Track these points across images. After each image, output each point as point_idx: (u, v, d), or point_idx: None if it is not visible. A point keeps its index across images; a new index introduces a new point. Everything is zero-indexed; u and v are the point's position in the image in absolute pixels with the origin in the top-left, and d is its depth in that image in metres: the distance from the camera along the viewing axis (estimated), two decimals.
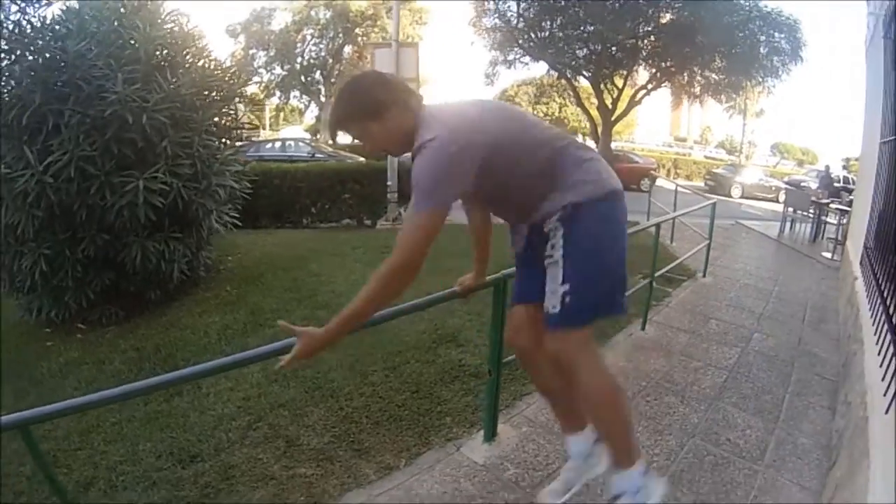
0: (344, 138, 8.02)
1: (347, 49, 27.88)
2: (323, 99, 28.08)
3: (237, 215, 6.03)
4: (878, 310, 2.69)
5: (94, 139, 4.35)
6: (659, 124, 51.81)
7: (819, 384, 3.55)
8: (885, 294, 2.64)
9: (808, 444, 2.78)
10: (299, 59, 27.39)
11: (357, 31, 26.35)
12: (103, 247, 4.70)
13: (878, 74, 4.49)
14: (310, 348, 1.48)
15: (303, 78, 27.76)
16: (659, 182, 19.41)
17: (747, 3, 8.09)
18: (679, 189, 8.90)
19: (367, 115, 1.56)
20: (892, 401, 1.83)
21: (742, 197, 19.87)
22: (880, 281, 2.91)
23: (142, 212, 4.51)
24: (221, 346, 4.12)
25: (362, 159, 12.28)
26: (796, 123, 73.70)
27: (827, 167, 16.29)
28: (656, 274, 4.44)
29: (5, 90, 4.39)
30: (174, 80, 4.69)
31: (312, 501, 2.30)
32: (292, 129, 33.66)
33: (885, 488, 1.56)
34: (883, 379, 2.07)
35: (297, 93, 29.44)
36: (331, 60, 27.59)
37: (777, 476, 2.49)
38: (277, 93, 29.05)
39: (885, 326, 2.35)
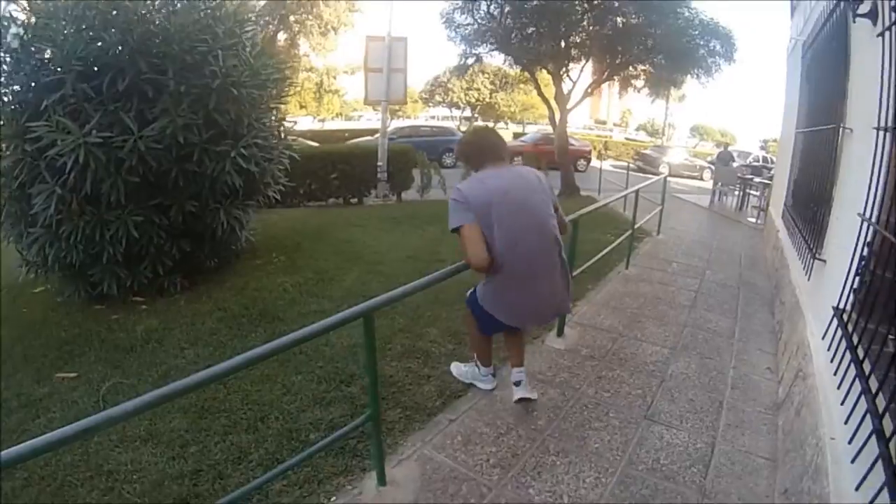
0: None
1: (281, 36, 27.42)
2: None
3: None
4: (798, 239, 4.09)
5: (197, 109, 4.51)
6: (580, 108, 54.16)
7: (760, 299, 5.05)
8: (800, 228, 4.04)
9: (760, 329, 4.24)
10: None
11: (291, 18, 25.89)
12: (189, 214, 4.80)
13: (795, 81, 5.98)
14: None
15: None
16: (593, 163, 21.34)
17: (690, 13, 9.72)
18: (615, 169, 10.41)
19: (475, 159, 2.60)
20: (810, 274, 3.18)
21: (669, 175, 22.14)
22: (797, 222, 4.34)
23: (233, 179, 4.78)
24: (305, 298, 4.58)
25: (315, 144, 13.01)
26: (714, 107, 79.62)
27: (725, 144, 18.49)
28: (624, 235, 5.68)
29: (91, 57, 4.33)
30: (254, 57, 5.03)
31: None
32: None
33: (818, 328, 2.82)
34: (806, 274, 3.42)
35: None
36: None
37: (745, 346, 3.90)
38: None
39: (804, 247, 3.71)
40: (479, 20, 10.83)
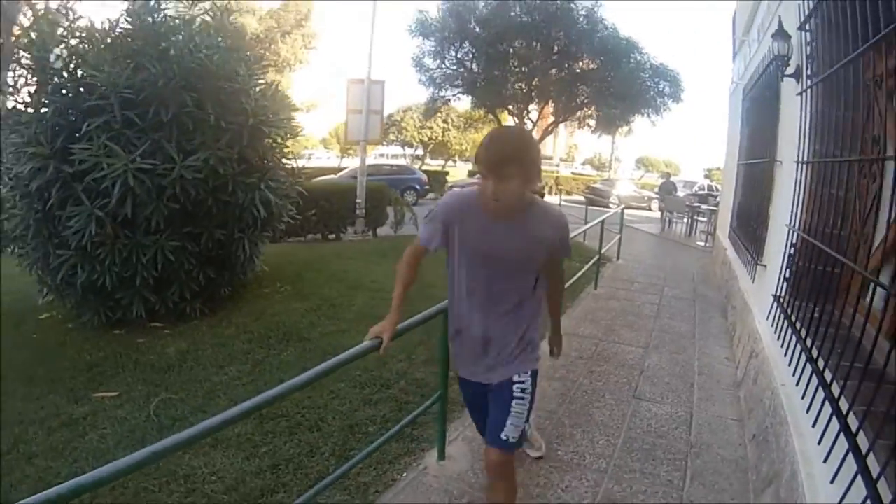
0: None
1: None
2: None
3: None
4: (743, 253, 4.92)
5: (233, 144, 4.83)
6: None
7: (713, 308, 5.88)
8: (745, 244, 4.87)
9: (716, 331, 5.03)
10: None
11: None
12: (217, 242, 5.03)
13: (737, 118, 7.00)
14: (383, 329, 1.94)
15: None
16: (546, 198, 22.52)
17: (641, 57, 10.96)
18: (569, 203, 11.42)
19: (532, 164, 1.62)
20: (754, 277, 3.95)
21: (617, 208, 23.61)
22: (742, 239, 5.19)
23: (259, 210, 5.11)
24: (322, 320, 4.95)
25: None
26: (659, 139, 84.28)
27: (668, 174, 19.98)
28: (592, 261, 6.47)
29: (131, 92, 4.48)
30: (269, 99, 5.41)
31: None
32: None
33: (763, 315, 3.55)
34: (751, 278, 4.21)
35: None
36: None
37: (705, 343, 4.66)
38: None
39: (749, 258, 4.52)
40: (448, 66, 11.77)
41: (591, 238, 7.94)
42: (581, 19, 10.62)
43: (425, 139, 37.19)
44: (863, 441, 1.45)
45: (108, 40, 4.81)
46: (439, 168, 31.91)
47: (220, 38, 5.08)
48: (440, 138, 36.65)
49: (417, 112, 34.25)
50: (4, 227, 5.10)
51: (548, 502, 2.44)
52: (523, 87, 11.45)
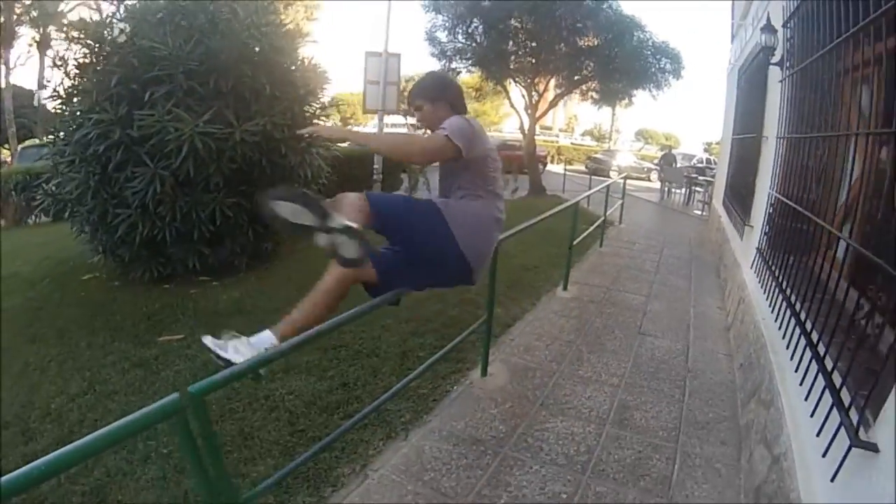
0: None
1: None
2: None
3: None
4: (734, 217, 5.53)
5: (286, 112, 5.31)
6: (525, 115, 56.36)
7: (707, 268, 6.54)
8: (736, 209, 5.49)
9: (710, 286, 5.68)
10: None
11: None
12: None
13: (732, 96, 7.53)
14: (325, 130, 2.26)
15: None
16: (549, 167, 23.09)
17: (643, 35, 11.42)
18: (572, 173, 12.05)
19: (439, 98, 2.21)
20: (743, 236, 4.58)
21: (619, 177, 24.19)
22: (734, 205, 5.80)
23: (305, 171, 5.70)
24: None
25: None
26: (659, 112, 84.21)
27: (668, 147, 20.59)
28: (597, 223, 7.08)
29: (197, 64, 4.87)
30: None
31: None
32: None
33: (748, 265, 4.20)
34: (741, 237, 4.84)
35: None
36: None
37: (699, 295, 5.32)
38: None
39: (739, 220, 5.13)
40: (459, 40, 12.16)
41: (595, 204, 8.58)
42: None
43: None
44: (825, 352, 2.08)
45: (162, 16, 5.13)
46: None
47: (270, 17, 5.49)
48: None
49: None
50: (60, 191, 5.40)
51: (575, 406, 3.10)
52: (532, 60, 11.86)
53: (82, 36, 5.13)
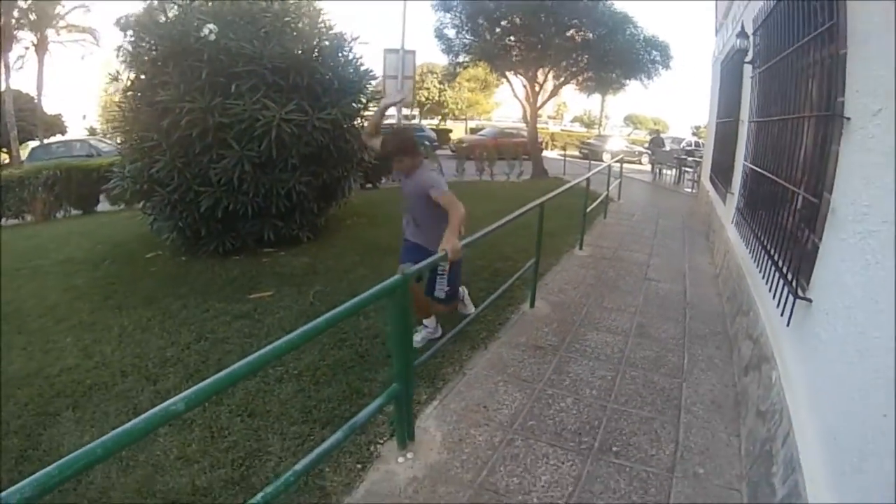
0: None
1: None
2: None
3: None
4: (719, 188, 6.60)
5: (350, 103, 6.17)
6: (512, 103, 57.07)
7: (698, 235, 7.63)
8: (720, 182, 6.56)
9: (701, 248, 6.78)
10: None
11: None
12: (334, 179, 6.36)
13: (716, 85, 8.55)
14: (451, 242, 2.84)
15: None
16: (545, 153, 24.13)
17: (635, 30, 12.45)
18: (569, 158, 13.27)
19: (404, 150, 3.35)
20: (725, 202, 5.67)
21: (612, 161, 25.32)
22: (718, 179, 6.88)
23: (363, 154, 6.64)
24: (395, 241, 6.82)
25: None
26: (647, 97, 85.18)
27: (657, 131, 21.73)
28: (600, 198, 8.19)
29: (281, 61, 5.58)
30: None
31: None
32: None
33: (729, 223, 5.27)
34: (724, 203, 5.91)
35: None
36: None
37: (692, 254, 6.41)
38: None
39: (722, 190, 6.19)
40: (466, 36, 13.16)
41: (595, 185, 9.58)
42: None
43: (422, 99, 37.89)
44: (780, 259, 3.14)
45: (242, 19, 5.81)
46: (435, 126, 32.87)
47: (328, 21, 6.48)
48: (436, 98, 37.40)
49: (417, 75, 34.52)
50: (141, 174, 5.83)
51: (605, 325, 4.16)
52: (533, 55, 12.89)
53: (162, 32, 5.62)
